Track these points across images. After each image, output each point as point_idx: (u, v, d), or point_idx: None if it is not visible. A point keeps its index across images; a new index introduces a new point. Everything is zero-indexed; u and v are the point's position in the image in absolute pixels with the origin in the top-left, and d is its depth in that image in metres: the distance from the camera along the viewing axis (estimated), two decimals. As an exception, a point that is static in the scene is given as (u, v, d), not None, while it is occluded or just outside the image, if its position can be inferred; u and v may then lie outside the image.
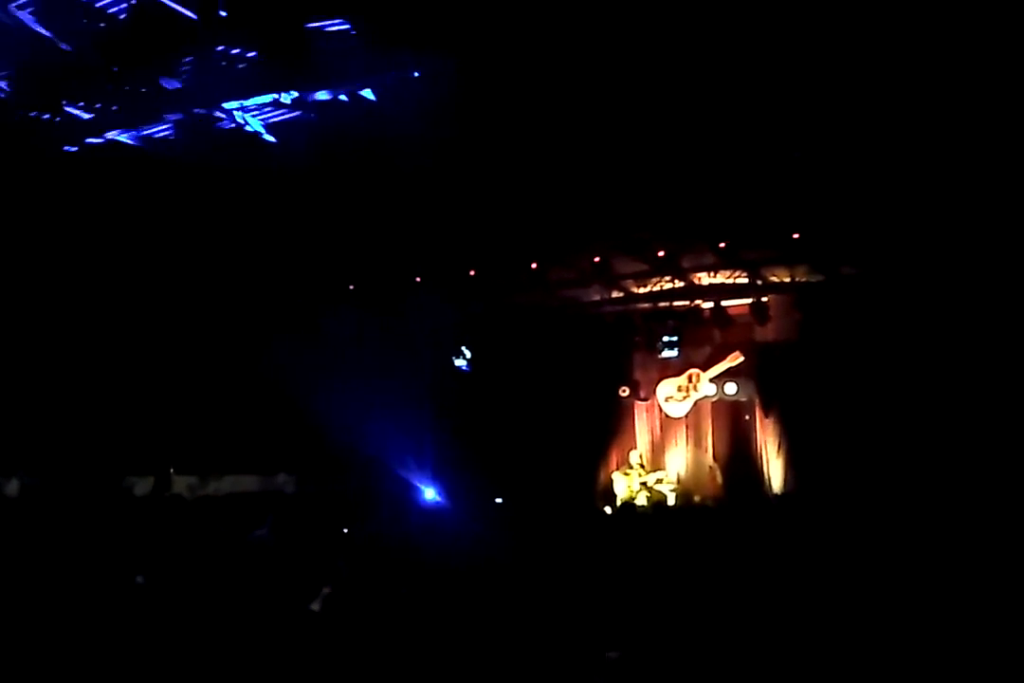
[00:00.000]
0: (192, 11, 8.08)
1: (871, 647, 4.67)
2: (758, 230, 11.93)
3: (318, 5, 8.16)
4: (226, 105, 9.46)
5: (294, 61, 8.69)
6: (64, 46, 8.73)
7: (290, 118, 9.71)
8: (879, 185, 10.31)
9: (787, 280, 13.97)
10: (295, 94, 9.27)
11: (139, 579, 4.08)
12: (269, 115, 9.74)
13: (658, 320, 15.00)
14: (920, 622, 4.92)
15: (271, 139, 9.94)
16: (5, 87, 9.51)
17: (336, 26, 8.47)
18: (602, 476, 15.73)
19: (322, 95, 9.26)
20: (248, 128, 9.83)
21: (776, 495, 13.97)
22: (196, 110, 9.71)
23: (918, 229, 11.09)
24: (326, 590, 3.94)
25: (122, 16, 8.52)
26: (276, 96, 9.08)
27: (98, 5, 8.45)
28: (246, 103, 9.51)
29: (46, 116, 10.12)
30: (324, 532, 6.47)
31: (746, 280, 14.21)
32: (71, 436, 13.82)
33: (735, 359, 14.79)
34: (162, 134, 10.25)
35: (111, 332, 14.14)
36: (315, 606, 3.78)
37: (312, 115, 9.35)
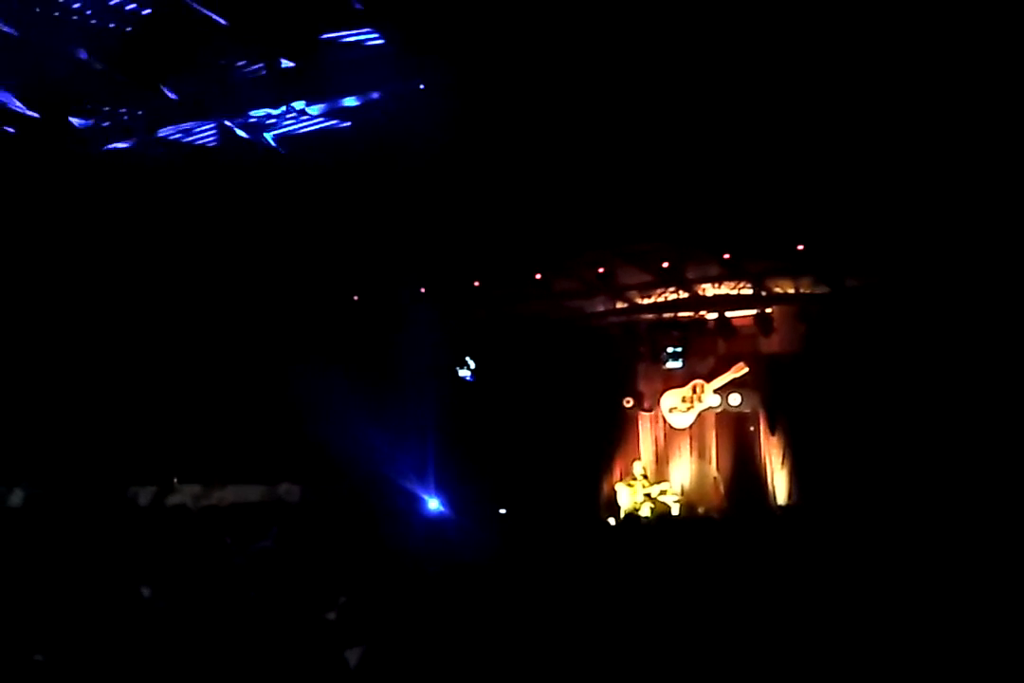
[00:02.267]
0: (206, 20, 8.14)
1: (876, 660, 4.66)
2: (763, 241, 11.94)
3: (328, 16, 8.21)
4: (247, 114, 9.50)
5: (304, 71, 8.75)
6: (77, 54, 8.78)
7: (313, 128, 9.73)
8: (884, 197, 10.32)
9: (791, 291, 13.97)
10: (302, 104, 9.32)
11: (145, 591, 4.09)
12: (291, 125, 9.76)
13: (662, 331, 15.01)
14: (925, 634, 4.91)
15: (275, 146, 9.99)
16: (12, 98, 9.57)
17: (345, 37, 8.53)
18: (606, 487, 15.71)
19: (314, 110, 9.32)
20: (258, 137, 9.87)
21: (780, 507, 13.94)
22: (204, 119, 9.76)
23: (923, 241, 11.10)
24: (343, 599, 3.96)
25: (136, 24, 8.58)
26: (291, 106, 9.12)
27: (110, 13, 8.51)
28: (262, 113, 9.55)
29: (56, 124, 10.17)
30: (329, 542, 6.47)
31: (751, 291, 14.23)
32: (74, 445, 13.83)
33: (739, 370, 14.79)
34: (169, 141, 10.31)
35: (115, 341, 14.16)
36: (331, 615, 3.80)
37: (342, 123, 9.35)
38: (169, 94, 9.25)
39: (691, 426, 15.48)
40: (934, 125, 8.81)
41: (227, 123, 9.82)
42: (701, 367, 15.28)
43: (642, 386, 15.93)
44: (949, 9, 7.31)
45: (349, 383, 14.33)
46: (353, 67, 8.81)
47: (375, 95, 9.17)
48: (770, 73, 8.21)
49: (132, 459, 14.10)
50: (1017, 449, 10.87)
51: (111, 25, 8.55)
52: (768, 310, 14.12)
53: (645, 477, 15.39)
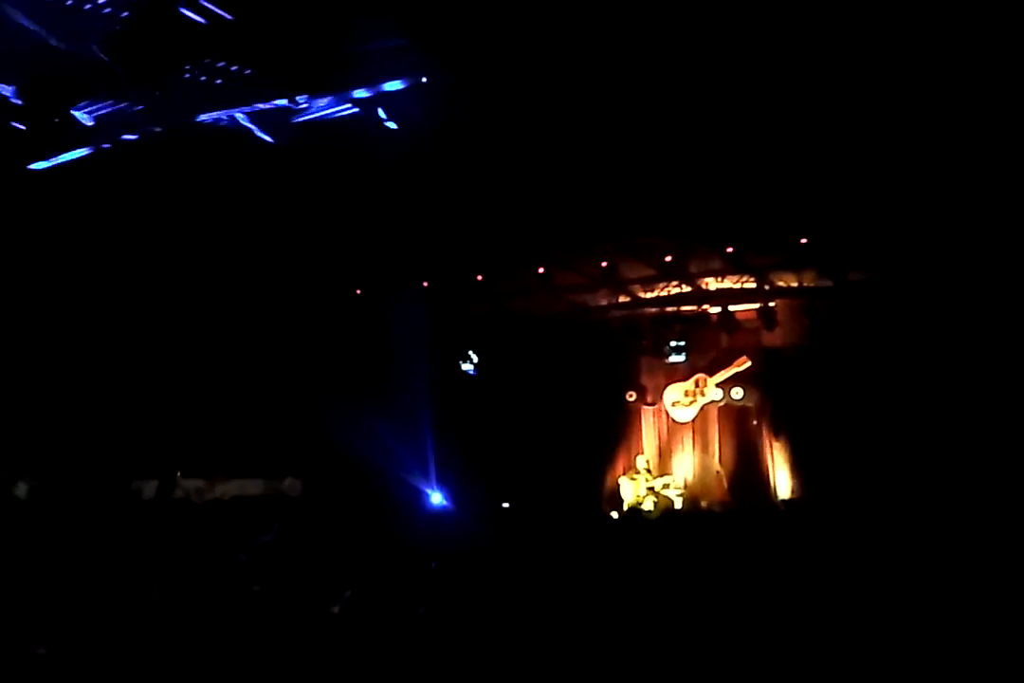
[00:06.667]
0: (201, 15, 8.11)
1: (876, 652, 4.66)
2: (766, 235, 11.92)
3: (325, 13, 8.19)
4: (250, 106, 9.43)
5: (301, 67, 8.73)
6: (69, 49, 8.76)
7: (314, 120, 9.68)
8: (887, 191, 10.30)
9: (795, 285, 13.96)
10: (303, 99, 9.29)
11: (150, 585, 4.10)
12: (293, 117, 9.69)
13: (665, 325, 15.00)
14: (925, 627, 4.91)
15: (268, 139, 9.94)
16: (12, 92, 9.54)
17: (341, 33, 8.50)
18: (609, 481, 15.72)
19: (323, 102, 9.28)
20: (258, 130, 9.83)
21: (782, 500, 13.94)
22: (202, 113, 9.74)
23: (926, 234, 11.08)
24: (347, 593, 3.97)
25: (129, 19, 8.54)
26: (293, 99, 9.06)
27: (106, 11, 8.48)
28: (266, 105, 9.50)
29: (54, 120, 10.15)
30: (331, 536, 6.48)
31: (754, 285, 14.21)
32: (79, 439, 13.86)
33: (742, 364, 14.79)
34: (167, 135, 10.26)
35: (118, 336, 14.18)
36: (335, 609, 3.81)
37: (343, 115, 9.29)
38: (172, 86, 9.22)
39: (694, 420, 15.48)
40: (936, 121, 8.79)
41: (231, 115, 9.79)
42: (704, 361, 15.28)
43: (645, 380, 15.93)
44: (948, 9, 7.30)
45: (351, 377, 14.35)
46: (355, 61, 8.78)
47: (376, 90, 9.14)
48: (773, 69, 8.19)
49: (136, 453, 14.14)
50: (1018, 442, 10.87)
51: (113, 17, 8.52)
52: (771, 304, 14.11)
53: (648, 471, 15.40)
